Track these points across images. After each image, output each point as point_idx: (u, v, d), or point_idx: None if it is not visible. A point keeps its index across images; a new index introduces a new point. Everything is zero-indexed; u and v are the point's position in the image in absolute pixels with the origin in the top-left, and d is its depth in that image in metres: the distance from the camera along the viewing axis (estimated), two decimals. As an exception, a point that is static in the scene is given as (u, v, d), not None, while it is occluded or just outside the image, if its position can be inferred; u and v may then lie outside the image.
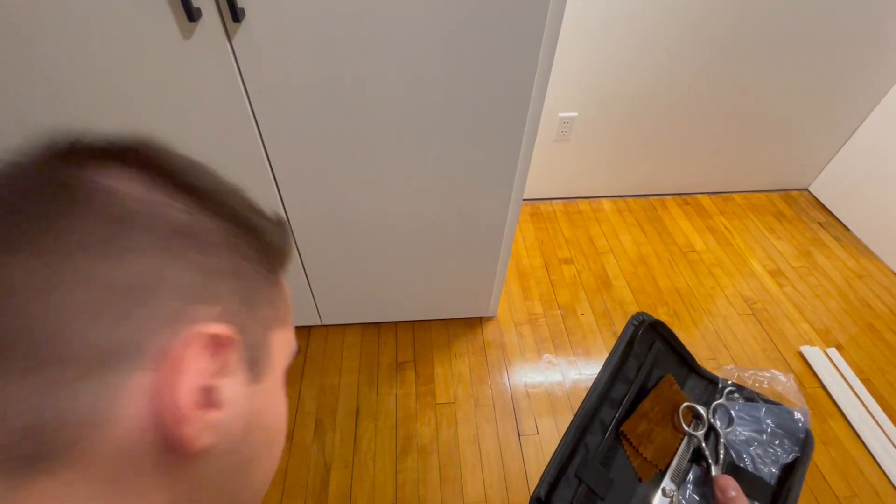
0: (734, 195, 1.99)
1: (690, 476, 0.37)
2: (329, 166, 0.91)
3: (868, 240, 1.77)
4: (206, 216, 0.20)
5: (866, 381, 1.32)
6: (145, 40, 0.70)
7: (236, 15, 0.67)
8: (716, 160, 1.85)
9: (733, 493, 0.33)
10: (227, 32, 0.71)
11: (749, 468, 0.37)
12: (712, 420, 0.39)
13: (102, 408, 0.15)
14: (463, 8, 0.70)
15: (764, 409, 0.40)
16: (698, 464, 0.37)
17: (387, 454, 1.14)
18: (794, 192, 2.03)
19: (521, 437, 1.18)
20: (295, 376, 1.28)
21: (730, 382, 0.42)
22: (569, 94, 1.55)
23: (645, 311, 0.43)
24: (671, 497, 0.35)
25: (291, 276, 1.17)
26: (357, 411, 1.21)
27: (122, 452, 0.16)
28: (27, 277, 0.15)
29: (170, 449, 0.17)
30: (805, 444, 0.38)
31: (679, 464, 0.37)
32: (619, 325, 1.47)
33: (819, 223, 1.87)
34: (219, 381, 0.18)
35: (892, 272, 1.67)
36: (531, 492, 0.35)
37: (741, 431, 0.39)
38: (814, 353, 1.38)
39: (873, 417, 1.23)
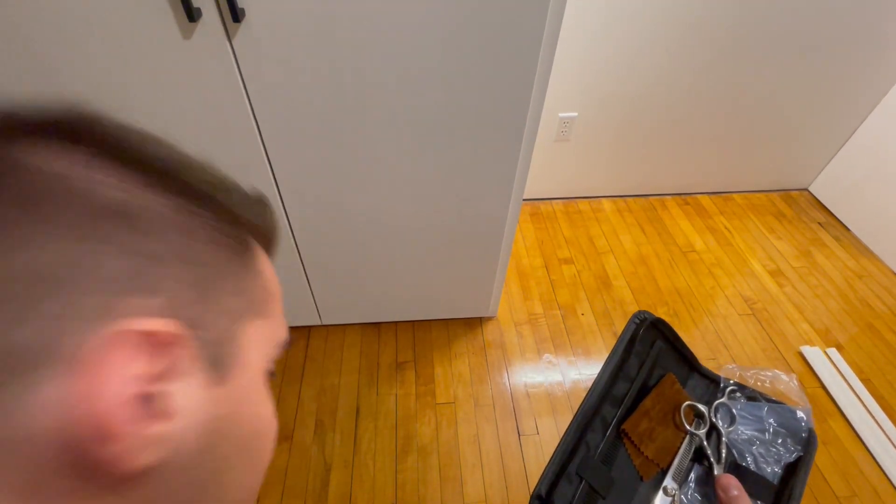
0: (734, 195, 1.99)
1: (692, 475, 0.37)
2: (329, 166, 0.91)
3: (868, 240, 1.77)
4: (151, 193, 0.17)
5: (866, 381, 1.32)
6: (145, 40, 0.70)
7: (236, 15, 0.67)
8: (716, 160, 1.85)
9: (735, 493, 0.33)
10: (227, 32, 0.71)
11: (751, 467, 0.37)
12: (714, 419, 0.39)
13: (5, 425, 0.13)
14: (463, 8, 0.70)
15: (766, 409, 0.40)
16: (700, 463, 0.37)
17: (387, 454, 1.14)
18: (794, 192, 2.03)
19: (521, 437, 1.18)
20: (295, 376, 1.28)
21: (731, 382, 0.42)
22: (569, 94, 1.55)
23: (645, 310, 0.43)
24: (673, 496, 0.35)
25: (291, 276, 1.17)
26: (357, 411, 1.21)
27: (39, 477, 0.13)
28: None
29: (99, 470, 0.14)
30: (808, 443, 0.38)
31: (681, 463, 0.37)
32: (619, 325, 1.47)
33: (819, 223, 1.87)
34: (165, 386, 0.15)
35: (892, 272, 1.67)
36: (531, 492, 0.35)
37: (743, 430, 0.39)
38: (814, 353, 1.38)
39: (873, 417, 1.23)
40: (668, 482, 0.36)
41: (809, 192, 2.02)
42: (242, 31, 0.70)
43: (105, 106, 0.19)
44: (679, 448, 0.38)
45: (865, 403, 1.26)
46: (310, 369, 1.30)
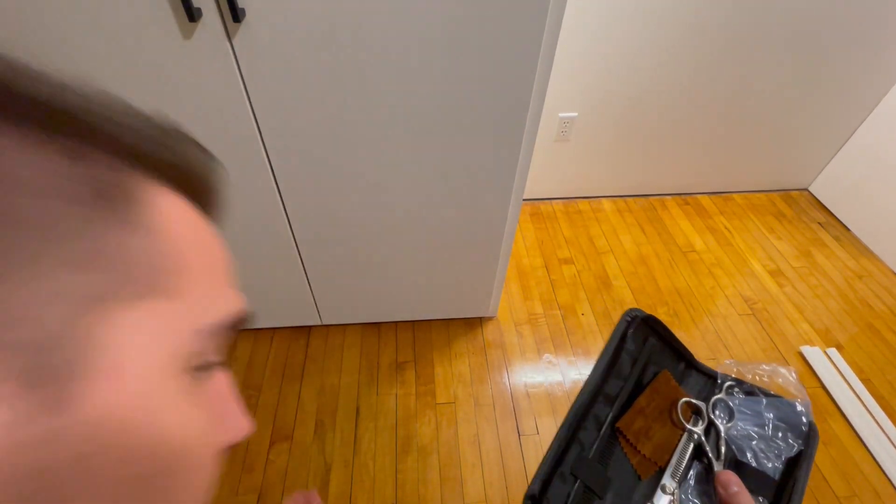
0: (734, 195, 1.99)
1: (691, 473, 0.37)
2: (329, 166, 0.91)
3: (868, 240, 1.77)
4: None
5: (866, 381, 1.32)
6: (145, 40, 0.70)
7: (236, 15, 0.67)
8: (716, 160, 1.85)
9: (736, 489, 0.32)
10: (227, 32, 0.71)
11: (752, 463, 0.37)
12: (712, 415, 0.39)
13: None
14: (463, 8, 0.70)
15: (765, 403, 0.40)
16: (699, 460, 0.37)
17: (387, 454, 1.14)
18: (794, 192, 2.03)
19: (521, 437, 1.18)
20: (295, 376, 1.28)
21: (729, 377, 0.42)
22: (569, 94, 1.55)
23: (645, 310, 0.43)
24: (672, 494, 0.35)
25: (291, 276, 1.17)
26: (357, 411, 1.21)
27: None
28: None
29: None
30: (808, 436, 0.38)
31: (679, 461, 0.37)
32: (619, 325, 1.46)
33: (819, 223, 1.87)
34: None
35: (892, 272, 1.66)
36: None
37: (742, 426, 0.39)
38: (814, 353, 1.38)
39: (873, 417, 1.23)
40: (667, 480, 0.36)
41: (809, 192, 2.02)
42: (242, 31, 0.70)
43: None
44: (677, 446, 0.37)
45: (865, 403, 1.26)
46: (310, 369, 1.30)
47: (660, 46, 1.44)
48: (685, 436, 0.38)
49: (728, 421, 0.39)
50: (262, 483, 1.08)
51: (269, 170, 0.91)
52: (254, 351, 1.33)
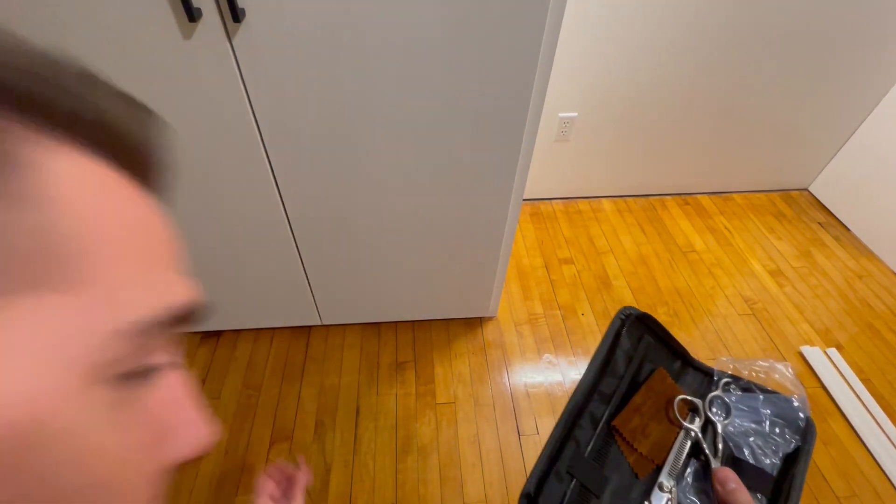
0: (734, 195, 1.99)
1: (689, 470, 0.36)
2: (329, 166, 0.91)
3: (868, 240, 1.77)
4: None
5: (866, 381, 1.32)
6: (145, 40, 0.70)
7: (236, 15, 0.67)
8: (716, 160, 1.85)
9: (733, 486, 0.32)
10: (227, 32, 0.71)
11: (749, 460, 0.36)
12: (709, 412, 0.39)
13: None
14: (463, 8, 0.70)
15: (761, 399, 0.40)
16: (696, 458, 0.37)
17: (387, 454, 1.14)
18: (794, 192, 2.03)
19: (521, 437, 1.18)
20: (295, 376, 1.28)
21: (725, 374, 0.42)
22: (569, 94, 1.55)
23: (645, 310, 0.43)
24: (669, 493, 0.35)
25: (291, 276, 1.17)
26: (357, 411, 1.21)
27: None
28: None
29: None
30: (806, 432, 0.38)
31: (676, 458, 0.36)
32: (619, 325, 1.46)
33: (819, 223, 1.87)
34: None
35: (892, 272, 1.66)
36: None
37: (739, 423, 0.38)
38: (814, 353, 1.38)
39: (873, 417, 1.23)
40: (664, 478, 0.36)
41: (809, 192, 2.02)
42: (242, 31, 0.70)
43: None
44: (674, 443, 0.37)
45: (865, 403, 1.26)
46: (310, 369, 1.30)
47: (660, 46, 1.44)
48: (682, 433, 0.38)
49: (725, 418, 0.39)
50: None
51: (269, 170, 0.91)
52: (254, 351, 1.33)
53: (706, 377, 0.42)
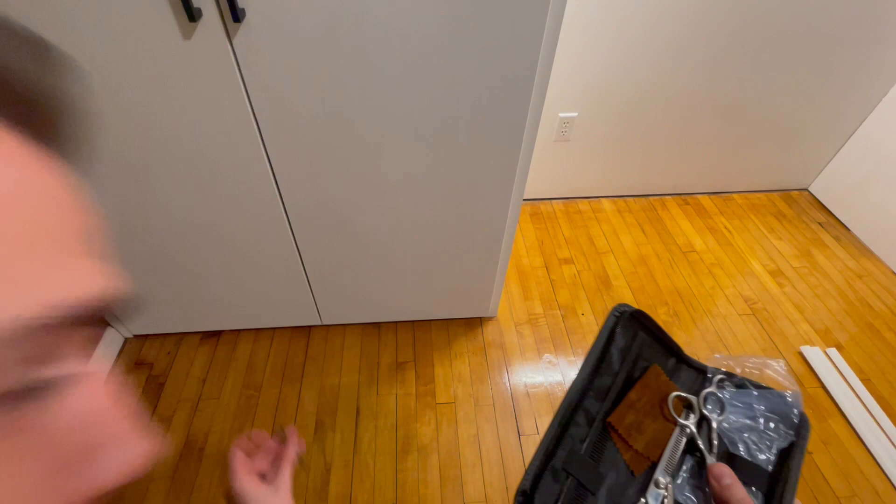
0: (734, 195, 1.99)
1: (684, 467, 0.36)
2: (329, 166, 0.91)
3: (868, 240, 1.77)
4: None
5: (866, 381, 1.32)
6: (145, 40, 0.70)
7: (236, 15, 0.67)
8: (716, 160, 1.85)
9: (728, 481, 0.32)
10: (227, 32, 0.71)
11: (744, 455, 0.37)
12: (704, 409, 0.39)
13: None
14: (463, 8, 0.70)
15: (755, 395, 0.40)
16: (692, 454, 0.37)
17: (387, 454, 1.14)
18: (794, 192, 2.03)
19: (521, 437, 1.18)
20: (295, 376, 1.28)
21: (720, 371, 0.42)
22: (569, 94, 1.55)
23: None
24: (665, 489, 0.35)
25: (291, 276, 1.17)
26: (357, 411, 1.21)
27: None
28: None
29: None
30: (800, 427, 0.38)
31: (672, 455, 0.37)
32: (619, 325, 1.47)
33: (819, 223, 1.87)
34: None
35: (892, 272, 1.66)
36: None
37: (734, 419, 0.39)
38: (814, 353, 1.38)
39: (873, 417, 1.23)
40: (660, 475, 0.36)
41: (809, 192, 2.02)
42: (242, 31, 0.70)
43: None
44: (669, 440, 0.37)
45: (865, 403, 1.26)
46: (310, 369, 1.30)
47: (659, 46, 1.44)
48: (677, 430, 0.38)
49: (720, 414, 0.39)
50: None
51: (269, 170, 0.91)
52: (254, 351, 1.33)
53: (700, 374, 0.42)
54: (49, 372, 0.11)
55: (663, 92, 1.57)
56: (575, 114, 1.60)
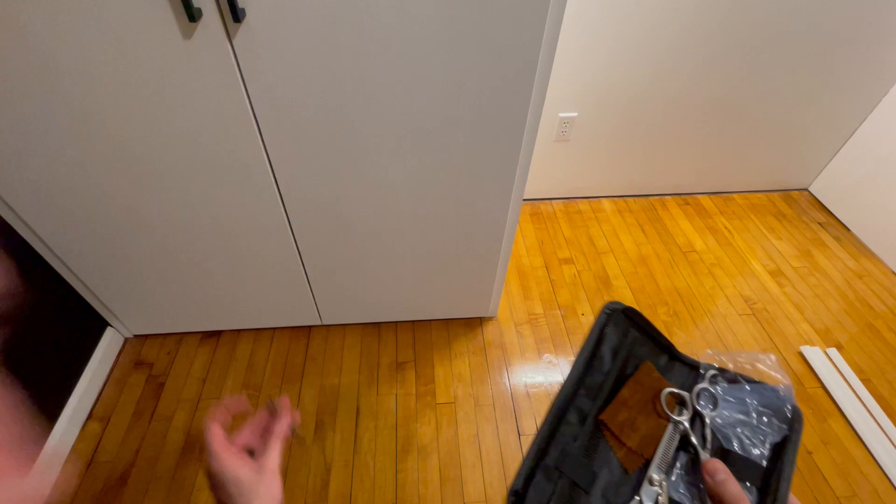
0: (734, 195, 1.99)
1: (678, 463, 0.36)
2: (329, 166, 0.91)
3: (868, 240, 1.77)
4: None
5: (866, 381, 1.32)
6: (145, 40, 0.70)
7: (236, 15, 0.67)
8: (716, 160, 1.85)
9: (723, 477, 0.32)
10: (227, 32, 0.71)
11: (738, 450, 0.37)
12: (697, 405, 0.39)
13: None
14: (463, 8, 0.70)
15: (748, 390, 0.40)
16: (685, 450, 0.37)
17: (387, 454, 1.14)
18: (794, 192, 2.03)
19: (521, 437, 1.18)
20: (295, 376, 1.28)
21: (712, 366, 0.42)
22: (569, 94, 1.55)
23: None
24: (659, 486, 0.35)
25: (291, 276, 1.17)
26: (357, 411, 1.21)
27: None
28: None
29: None
30: (793, 420, 0.38)
31: (666, 452, 0.36)
32: (619, 325, 1.47)
33: (819, 223, 1.87)
34: None
35: (892, 272, 1.66)
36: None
37: (727, 414, 0.39)
38: (814, 353, 1.38)
39: (873, 417, 1.23)
40: (654, 472, 0.36)
41: (809, 192, 2.02)
42: (242, 31, 0.70)
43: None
44: (663, 437, 0.37)
45: (865, 403, 1.26)
46: (310, 369, 1.30)
47: (659, 46, 1.44)
48: (670, 426, 0.38)
49: (713, 409, 0.39)
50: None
51: (270, 170, 0.91)
52: (254, 351, 1.33)
53: (692, 370, 0.42)
54: None
55: (663, 92, 1.57)
56: (575, 114, 1.60)
